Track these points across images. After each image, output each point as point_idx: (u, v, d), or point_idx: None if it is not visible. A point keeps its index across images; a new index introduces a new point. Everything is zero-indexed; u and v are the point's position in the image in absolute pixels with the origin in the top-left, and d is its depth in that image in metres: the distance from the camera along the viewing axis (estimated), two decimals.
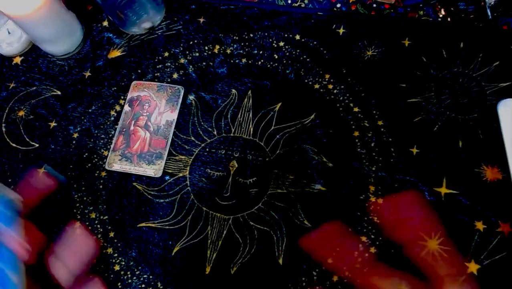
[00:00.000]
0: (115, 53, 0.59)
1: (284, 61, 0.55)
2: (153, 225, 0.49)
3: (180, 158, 0.51)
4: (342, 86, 0.53)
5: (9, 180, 0.53)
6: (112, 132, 0.54)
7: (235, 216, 0.48)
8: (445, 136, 0.49)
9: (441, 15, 0.55)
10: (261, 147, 0.51)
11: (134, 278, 0.47)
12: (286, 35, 0.56)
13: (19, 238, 0.27)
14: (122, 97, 0.56)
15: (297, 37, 0.56)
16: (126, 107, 0.55)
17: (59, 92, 0.57)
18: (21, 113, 0.57)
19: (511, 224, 0.44)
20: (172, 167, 0.51)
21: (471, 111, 0.49)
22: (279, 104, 0.53)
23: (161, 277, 0.46)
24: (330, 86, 0.53)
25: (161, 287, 0.46)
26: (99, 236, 0.49)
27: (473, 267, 0.42)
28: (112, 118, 0.55)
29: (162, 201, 0.50)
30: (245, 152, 0.51)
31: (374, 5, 0.57)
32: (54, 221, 0.50)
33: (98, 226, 0.49)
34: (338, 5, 0.58)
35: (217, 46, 0.57)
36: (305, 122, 0.51)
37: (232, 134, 0.52)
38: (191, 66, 0.57)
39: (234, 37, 0.57)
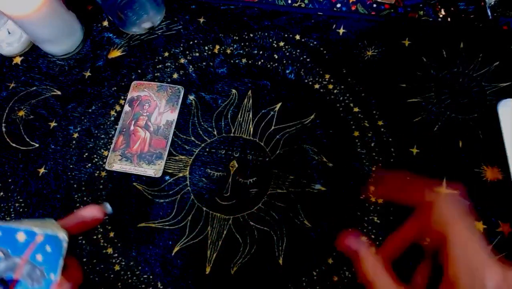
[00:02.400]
0: (115, 53, 0.59)
1: (284, 61, 0.55)
2: (153, 225, 0.49)
3: (180, 158, 0.51)
4: (342, 86, 0.53)
5: (9, 180, 0.53)
6: (112, 132, 0.54)
7: (235, 216, 0.48)
8: (445, 137, 0.49)
9: (441, 15, 0.55)
10: (261, 147, 0.51)
11: (134, 278, 0.47)
12: (286, 35, 0.56)
13: (59, 281, 0.25)
14: (122, 97, 0.56)
15: (297, 37, 0.56)
16: (126, 107, 0.55)
17: (59, 92, 0.57)
18: (21, 113, 0.57)
19: (511, 224, 0.44)
20: (172, 167, 0.51)
21: (471, 111, 0.49)
22: (279, 104, 0.53)
23: (161, 277, 0.46)
24: (330, 86, 0.53)
25: (161, 287, 0.46)
26: (99, 236, 0.49)
27: None
28: (112, 118, 0.55)
29: (162, 201, 0.50)
30: (245, 152, 0.51)
31: (374, 5, 0.57)
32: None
33: (98, 226, 0.49)
34: (338, 5, 0.58)
35: (217, 46, 0.57)
36: (305, 122, 0.51)
37: (232, 135, 0.52)
38: (191, 66, 0.57)
39: (234, 37, 0.57)
